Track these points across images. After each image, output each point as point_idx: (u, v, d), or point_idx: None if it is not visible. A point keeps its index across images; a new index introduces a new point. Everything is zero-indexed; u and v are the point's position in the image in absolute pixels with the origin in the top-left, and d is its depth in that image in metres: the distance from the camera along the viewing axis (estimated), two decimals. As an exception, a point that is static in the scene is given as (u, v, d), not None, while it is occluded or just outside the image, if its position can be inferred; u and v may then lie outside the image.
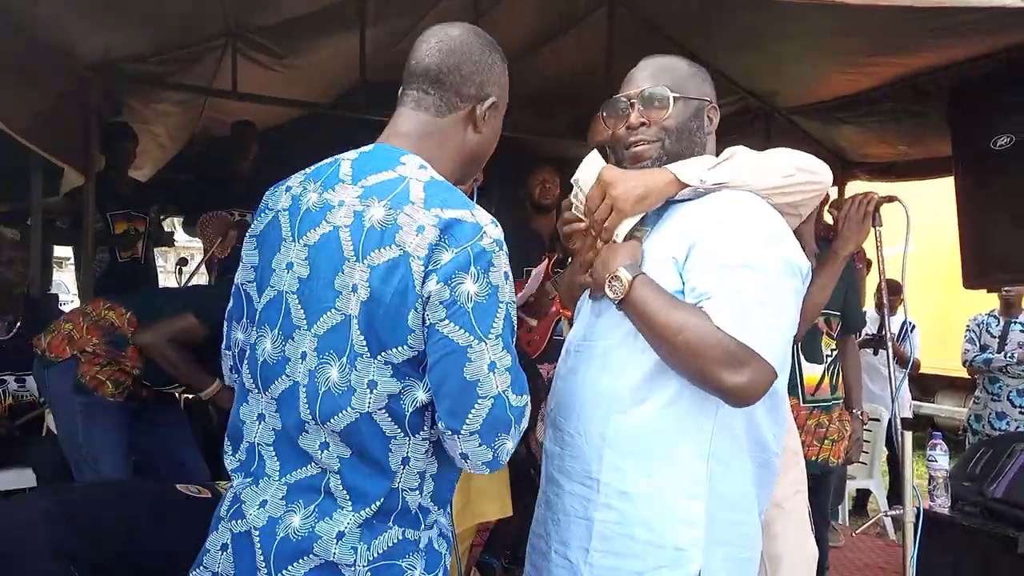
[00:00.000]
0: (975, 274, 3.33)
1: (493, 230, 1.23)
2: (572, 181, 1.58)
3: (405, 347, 1.19)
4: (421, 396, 1.22)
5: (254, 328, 1.34)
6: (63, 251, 5.86)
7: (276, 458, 1.28)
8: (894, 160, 4.86)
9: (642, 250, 1.47)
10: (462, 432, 1.20)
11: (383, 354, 1.19)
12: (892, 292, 5.76)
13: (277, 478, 1.27)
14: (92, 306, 2.88)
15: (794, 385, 2.56)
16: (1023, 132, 3.01)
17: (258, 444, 1.30)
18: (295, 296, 1.28)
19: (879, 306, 5.77)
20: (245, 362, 1.36)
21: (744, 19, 4.09)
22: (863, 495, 5.60)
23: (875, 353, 5.59)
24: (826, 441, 2.60)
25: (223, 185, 4.60)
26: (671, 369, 1.37)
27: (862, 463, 5.34)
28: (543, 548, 1.54)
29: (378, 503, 1.23)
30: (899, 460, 2.39)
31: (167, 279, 7.43)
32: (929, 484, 3.13)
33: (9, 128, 2.96)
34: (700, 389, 1.35)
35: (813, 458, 2.58)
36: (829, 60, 4.16)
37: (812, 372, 2.59)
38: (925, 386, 7.61)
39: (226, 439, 1.37)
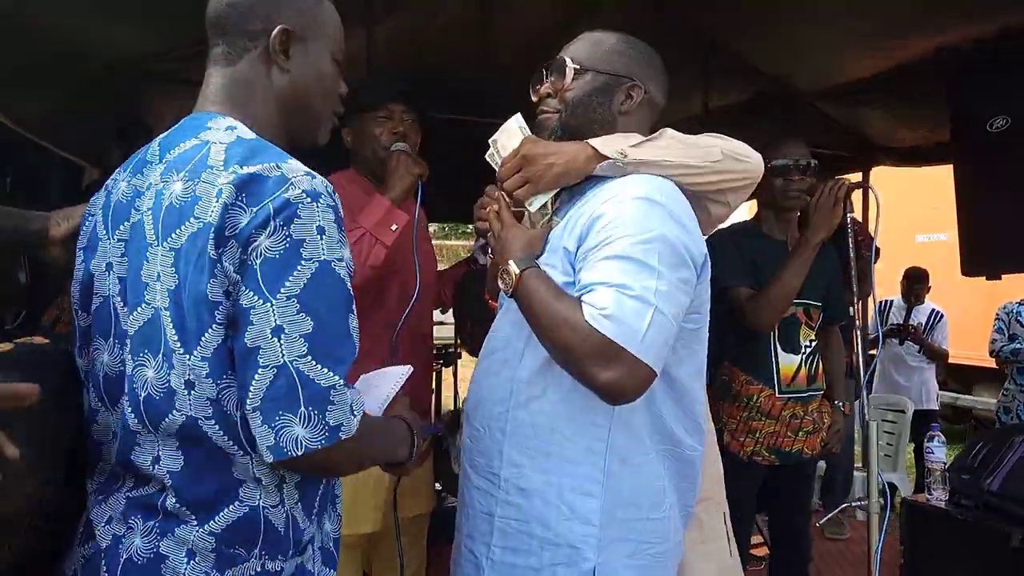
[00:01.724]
0: (973, 261, 3.21)
1: (305, 180, 1.10)
2: (490, 141, 1.58)
3: (216, 326, 1.06)
4: None
5: (90, 344, 1.22)
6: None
7: (124, 475, 1.17)
8: (917, 144, 4.72)
9: (547, 238, 1.46)
10: (248, 407, 1.05)
11: (199, 348, 1.07)
12: (918, 280, 5.67)
13: (124, 492, 1.15)
14: None
15: (769, 375, 2.52)
16: (1020, 113, 2.90)
17: (113, 464, 1.19)
18: (119, 299, 1.16)
19: (905, 295, 5.70)
20: (90, 381, 1.23)
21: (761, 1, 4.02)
22: (890, 490, 5.47)
23: (901, 343, 5.46)
24: (800, 432, 2.55)
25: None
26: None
27: (887, 456, 5.23)
28: (457, 541, 1.56)
29: (227, 518, 1.10)
30: (873, 450, 2.36)
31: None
32: (926, 477, 3.06)
33: (16, 125, 3.09)
34: None
35: (787, 449, 2.54)
36: (845, 42, 4.06)
37: (788, 362, 2.54)
38: (963, 378, 7.38)
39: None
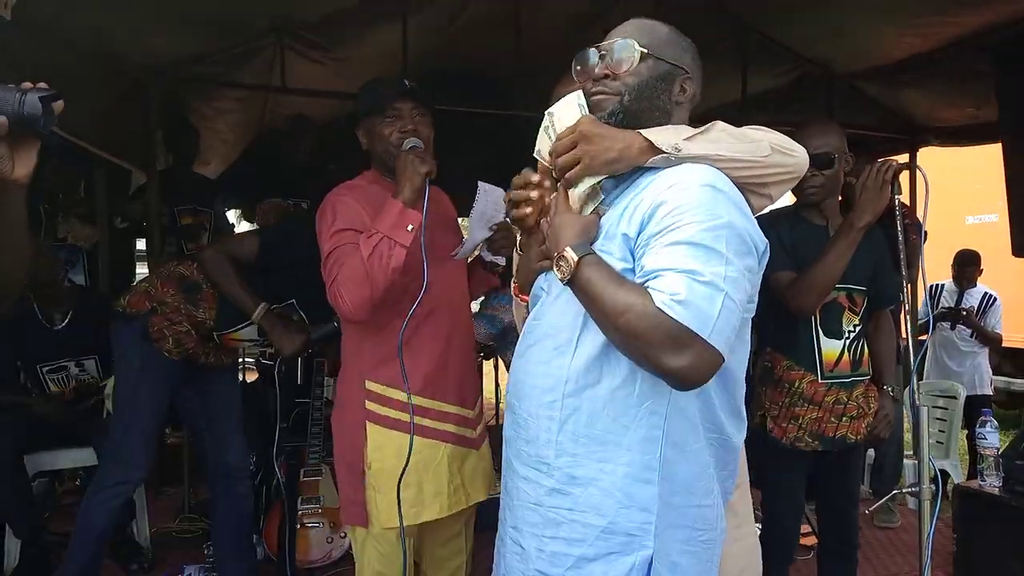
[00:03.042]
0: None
1: None
2: (546, 114, 1.54)
3: None
4: None
5: None
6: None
7: None
8: (964, 123, 4.61)
9: (600, 224, 1.44)
10: None
11: None
12: (969, 263, 5.52)
13: None
14: (163, 267, 3.13)
15: (811, 361, 2.47)
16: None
17: None
18: None
19: (956, 279, 5.55)
20: None
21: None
22: (942, 477, 5.37)
23: (952, 328, 5.33)
24: (844, 418, 2.49)
25: (279, 175, 4.82)
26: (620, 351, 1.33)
27: (938, 442, 5.11)
28: (501, 533, 1.54)
29: None
30: (919, 436, 2.30)
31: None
32: (979, 463, 2.99)
33: (63, 131, 3.17)
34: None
35: (830, 435, 2.49)
36: (886, 21, 3.98)
37: (831, 348, 2.48)
38: (1018, 362, 7.16)
39: None
